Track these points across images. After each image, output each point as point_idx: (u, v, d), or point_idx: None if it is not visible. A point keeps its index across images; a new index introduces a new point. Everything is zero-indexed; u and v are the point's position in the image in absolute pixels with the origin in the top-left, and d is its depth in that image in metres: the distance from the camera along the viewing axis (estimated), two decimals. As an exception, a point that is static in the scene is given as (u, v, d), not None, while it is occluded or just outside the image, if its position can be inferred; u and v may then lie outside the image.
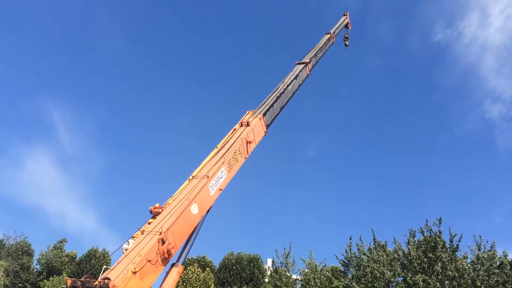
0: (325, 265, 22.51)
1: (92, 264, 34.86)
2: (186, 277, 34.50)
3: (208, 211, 10.99)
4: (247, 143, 13.07)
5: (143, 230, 9.48)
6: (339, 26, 24.37)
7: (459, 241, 17.13)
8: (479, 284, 16.26)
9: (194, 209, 10.26)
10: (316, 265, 21.53)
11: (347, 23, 26.29)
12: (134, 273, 8.03)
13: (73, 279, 8.00)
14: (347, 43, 26.66)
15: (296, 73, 17.47)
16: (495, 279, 16.24)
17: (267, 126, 14.62)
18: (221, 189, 11.55)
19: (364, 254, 17.86)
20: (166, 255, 8.99)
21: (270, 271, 30.28)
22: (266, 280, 35.92)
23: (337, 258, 21.25)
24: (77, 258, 36.03)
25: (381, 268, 16.86)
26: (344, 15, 26.31)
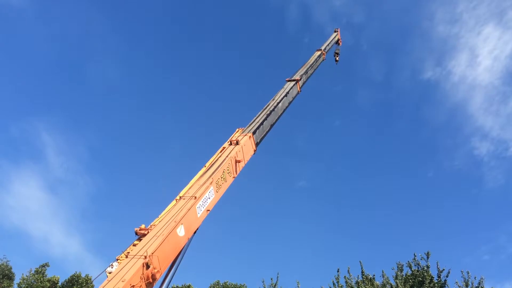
0: (312, 298, 21.93)
1: (74, 290, 34.02)
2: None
3: (194, 233, 10.81)
4: (236, 162, 12.95)
5: (128, 253, 9.28)
6: (330, 43, 24.54)
7: (446, 277, 16.98)
8: None
9: (181, 231, 10.09)
10: (303, 297, 21.02)
11: (338, 39, 26.50)
12: (117, 299, 7.83)
13: None
14: (337, 58, 26.81)
15: (287, 90, 17.47)
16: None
17: (257, 144, 14.54)
18: (208, 210, 11.40)
19: (352, 287, 17.65)
20: (151, 280, 8.77)
21: (256, 302, 29.74)
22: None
23: None
24: (59, 284, 35.18)
25: (368, 302, 16.62)
26: (335, 32, 26.52)
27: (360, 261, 18.07)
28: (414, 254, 17.75)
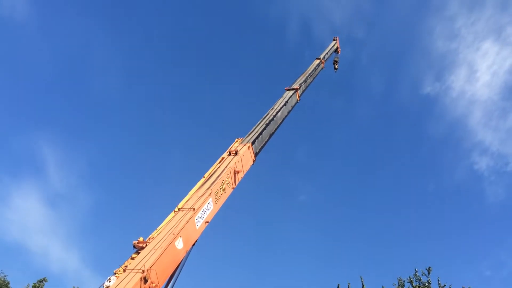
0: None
1: (71, 306, 33.61)
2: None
3: (193, 245, 10.72)
4: (235, 172, 12.89)
5: (126, 267, 9.18)
6: (329, 51, 24.50)
7: None
8: None
9: (179, 244, 9.99)
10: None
11: (337, 48, 26.45)
12: (114, 315, 7.73)
13: None
14: (336, 66, 26.71)
15: (286, 99, 17.43)
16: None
17: (256, 154, 14.48)
18: (207, 222, 11.31)
19: None
20: (148, 294, 8.68)
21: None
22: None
23: None
24: (57, 300, 34.80)
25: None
26: (334, 40, 26.49)
27: (360, 277, 17.91)
28: (415, 270, 17.65)
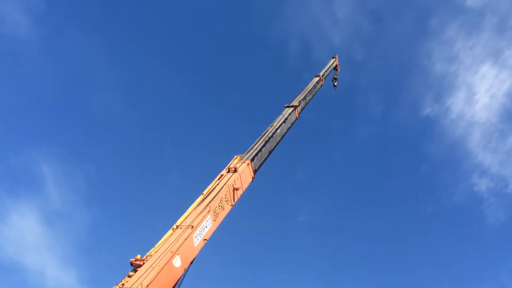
0: None
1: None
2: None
3: (191, 263, 10.63)
4: (234, 190, 12.86)
5: (123, 285, 9.08)
6: (328, 69, 24.64)
7: None
8: None
9: (177, 261, 9.91)
10: None
11: (336, 65, 26.61)
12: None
13: None
14: (335, 84, 26.82)
15: (285, 116, 17.48)
16: None
17: (255, 171, 14.46)
18: (205, 239, 11.24)
19: None
20: (145, 314, 8.57)
21: None
22: None
23: None
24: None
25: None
26: (333, 58, 26.67)
27: None
28: None
